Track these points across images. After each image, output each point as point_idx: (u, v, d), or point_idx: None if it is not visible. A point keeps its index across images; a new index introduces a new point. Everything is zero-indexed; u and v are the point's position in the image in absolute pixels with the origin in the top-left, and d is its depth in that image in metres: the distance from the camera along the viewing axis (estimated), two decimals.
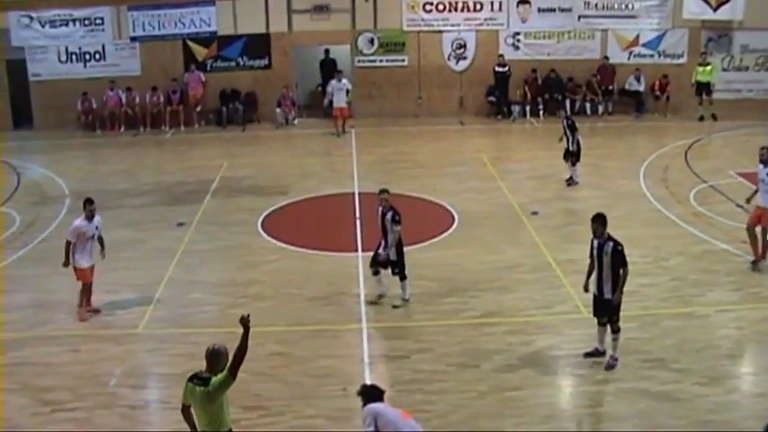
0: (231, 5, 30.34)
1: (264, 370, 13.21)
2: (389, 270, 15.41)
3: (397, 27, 30.80)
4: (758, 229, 16.59)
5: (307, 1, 30.38)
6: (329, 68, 31.07)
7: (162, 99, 30.61)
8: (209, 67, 31.02)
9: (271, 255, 18.16)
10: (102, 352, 14.13)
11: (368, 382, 12.44)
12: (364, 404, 9.59)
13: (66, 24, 30.83)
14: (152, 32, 30.61)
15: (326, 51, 31.79)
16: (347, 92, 29.17)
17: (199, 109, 30.70)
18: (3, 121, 31.27)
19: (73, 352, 14.18)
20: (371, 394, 9.70)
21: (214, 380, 9.12)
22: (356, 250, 17.90)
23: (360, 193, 21.76)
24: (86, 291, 15.47)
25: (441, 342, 13.98)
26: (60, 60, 31.17)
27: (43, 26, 30.69)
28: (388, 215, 15.03)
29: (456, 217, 20.01)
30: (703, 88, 29.62)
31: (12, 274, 17.83)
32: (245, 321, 9.15)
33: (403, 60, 31.15)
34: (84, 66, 31.19)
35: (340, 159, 25.78)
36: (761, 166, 16.42)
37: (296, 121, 30.54)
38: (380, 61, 31.19)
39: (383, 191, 15.50)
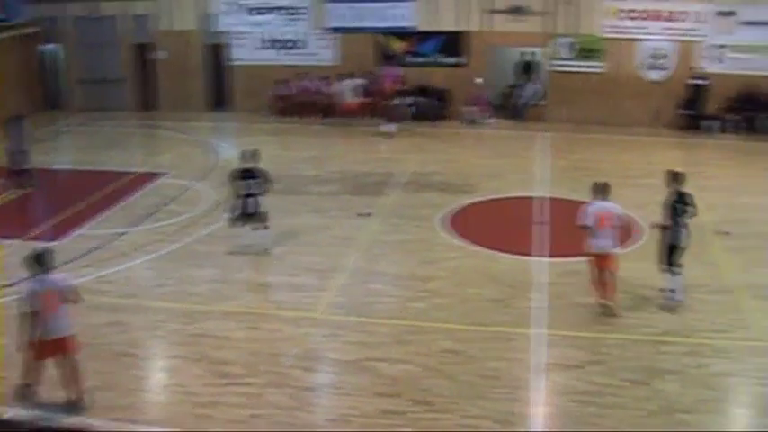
0: (430, 1, 30.62)
1: (435, 365, 13.29)
2: None
3: (593, 33, 30.16)
4: None
5: (504, 1, 30.24)
6: (523, 70, 31.05)
7: (349, 89, 30.93)
8: (404, 62, 31.32)
9: (452, 252, 18.20)
10: (280, 332, 14.54)
11: (537, 389, 12.40)
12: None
13: (270, 12, 31.90)
14: (351, 24, 31.17)
15: (523, 53, 31.57)
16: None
17: (391, 102, 30.90)
18: (202, 102, 32.95)
19: (252, 329, 14.67)
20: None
21: None
22: (537, 255, 17.81)
23: (546, 198, 21.58)
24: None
25: (615, 356, 13.63)
26: (260, 47, 32.37)
27: (248, 13, 31.93)
28: None
29: (645, 230, 19.20)
30: None
31: (200, 249, 18.60)
32: None
33: (600, 67, 30.48)
34: (282, 53, 32.22)
35: (528, 162, 25.48)
36: None
37: (491, 121, 30.42)
38: (576, 67, 30.68)
39: None
